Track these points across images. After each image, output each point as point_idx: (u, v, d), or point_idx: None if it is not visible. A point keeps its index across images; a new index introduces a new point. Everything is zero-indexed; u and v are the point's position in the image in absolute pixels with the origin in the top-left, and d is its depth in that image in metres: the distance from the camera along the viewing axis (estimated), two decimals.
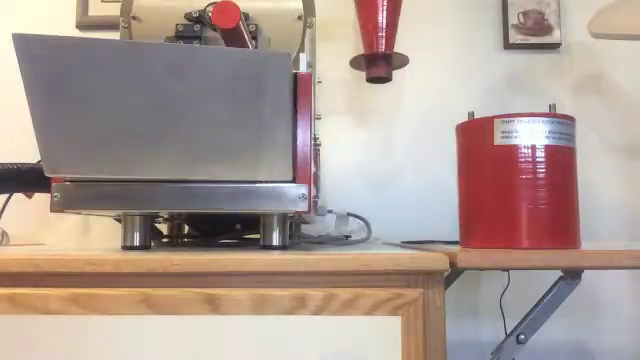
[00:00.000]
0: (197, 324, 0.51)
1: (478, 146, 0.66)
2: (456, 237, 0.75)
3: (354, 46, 1.21)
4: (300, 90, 0.62)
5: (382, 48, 0.99)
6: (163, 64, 0.54)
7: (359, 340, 0.52)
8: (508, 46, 1.21)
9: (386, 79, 1.02)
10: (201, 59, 0.54)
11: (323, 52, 1.21)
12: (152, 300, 0.50)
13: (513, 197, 0.62)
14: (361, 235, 1.12)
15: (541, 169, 0.62)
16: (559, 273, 0.64)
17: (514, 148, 0.63)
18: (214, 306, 0.51)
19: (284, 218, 0.66)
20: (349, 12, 1.21)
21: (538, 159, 0.62)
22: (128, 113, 0.55)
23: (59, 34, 0.53)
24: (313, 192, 0.64)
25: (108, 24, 1.18)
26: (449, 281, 1.02)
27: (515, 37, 1.20)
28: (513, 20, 1.20)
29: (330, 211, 1.03)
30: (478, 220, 0.65)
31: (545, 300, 0.63)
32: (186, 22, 0.73)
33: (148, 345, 0.50)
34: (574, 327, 1.15)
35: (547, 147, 0.63)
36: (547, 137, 0.63)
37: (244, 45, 0.62)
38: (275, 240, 0.65)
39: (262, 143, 0.57)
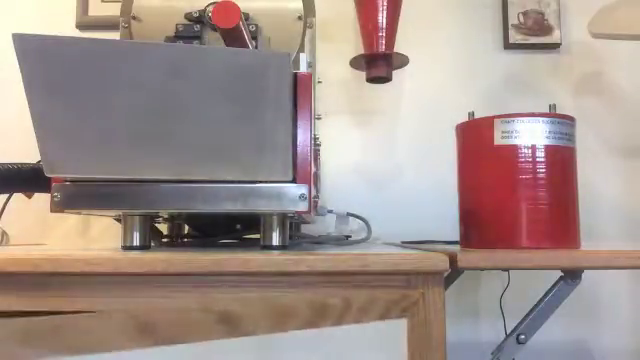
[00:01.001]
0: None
1: (478, 146, 0.66)
2: (456, 237, 0.75)
3: (354, 46, 1.21)
4: (300, 90, 0.62)
5: (382, 48, 0.99)
6: (163, 64, 0.54)
7: (359, 340, 0.52)
8: (508, 46, 1.21)
9: (386, 79, 1.02)
10: (201, 59, 0.54)
11: (323, 52, 1.20)
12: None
13: (513, 197, 0.62)
14: (361, 235, 1.12)
15: (541, 169, 0.62)
16: (559, 273, 0.64)
17: (514, 148, 0.63)
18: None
19: (284, 218, 0.66)
20: (349, 12, 1.21)
21: (538, 159, 0.62)
22: (128, 113, 0.55)
23: (59, 34, 0.53)
24: (313, 192, 0.64)
25: (108, 24, 1.18)
26: (449, 281, 1.02)
27: (515, 37, 1.20)
28: (513, 20, 1.20)
29: (330, 211, 1.03)
30: (478, 220, 0.65)
31: (545, 300, 0.63)
32: (186, 22, 0.73)
33: None
34: (574, 327, 1.15)
35: (547, 147, 0.63)
36: (547, 137, 0.63)
37: (244, 45, 0.62)
38: (275, 240, 0.65)
39: (262, 143, 0.57)
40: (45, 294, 0.52)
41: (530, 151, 0.62)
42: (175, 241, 0.92)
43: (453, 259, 0.54)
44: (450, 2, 1.23)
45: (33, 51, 0.52)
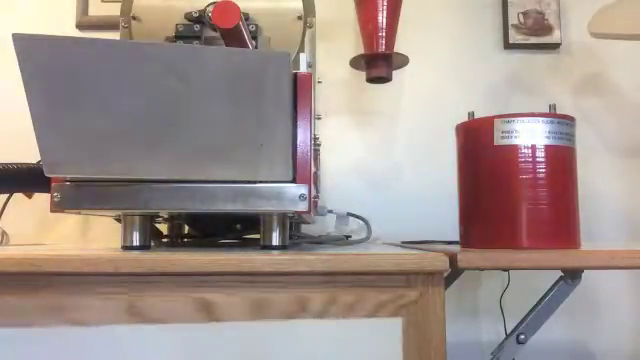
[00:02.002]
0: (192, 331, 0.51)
1: (478, 146, 0.66)
2: (456, 237, 0.75)
3: (354, 46, 1.21)
4: (300, 90, 0.62)
5: (382, 48, 0.99)
6: (163, 64, 0.54)
7: (359, 341, 0.52)
8: (508, 46, 1.21)
9: (386, 79, 1.02)
10: (201, 59, 0.54)
11: (323, 52, 1.21)
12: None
13: (513, 197, 0.62)
14: (361, 235, 1.12)
15: (541, 169, 0.62)
16: (559, 273, 0.64)
17: (514, 148, 0.63)
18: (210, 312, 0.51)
19: (284, 218, 0.66)
20: (349, 12, 1.21)
21: (538, 159, 0.62)
22: (128, 113, 0.55)
23: (59, 34, 0.53)
24: (313, 192, 0.64)
25: (108, 24, 1.18)
26: (449, 281, 1.02)
27: (515, 37, 1.20)
28: (513, 20, 1.20)
29: (330, 211, 1.03)
30: (478, 220, 0.65)
31: (545, 300, 0.63)
32: (186, 22, 0.73)
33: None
34: (574, 327, 1.15)
35: (547, 147, 0.63)
36: (547, 137, 0.63)
37: (244, 45, 0.62)
38: (275, 240, 0.65)
39: (262, 143, 0.57)
40: (45, 294, 0.52)
41: (530, 151, 0.62)
42: (175, 241, 0.92)
43: (453, 259, 0.54)
44: (450, 2, 1.23)
45: (33, 51, 0.52)
